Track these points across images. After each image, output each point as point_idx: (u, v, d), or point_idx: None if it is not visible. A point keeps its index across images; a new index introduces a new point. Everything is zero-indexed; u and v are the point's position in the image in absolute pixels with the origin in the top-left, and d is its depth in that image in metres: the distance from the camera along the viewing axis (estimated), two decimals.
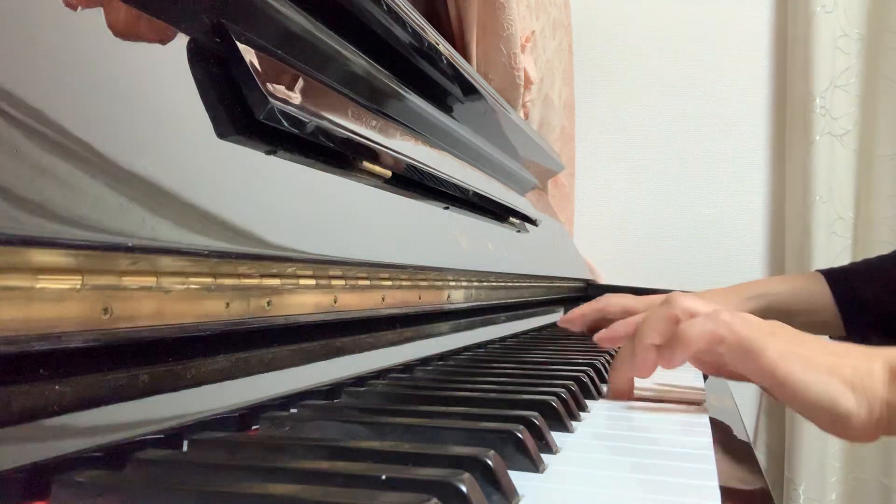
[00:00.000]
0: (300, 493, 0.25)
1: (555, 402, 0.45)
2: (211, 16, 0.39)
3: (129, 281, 0.29)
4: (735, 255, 1.75)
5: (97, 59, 0.31)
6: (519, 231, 1.00)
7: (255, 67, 0.40)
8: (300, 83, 0.46)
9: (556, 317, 1.23)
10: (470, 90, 0.81)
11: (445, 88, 0.77)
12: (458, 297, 0.71)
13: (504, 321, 0.94)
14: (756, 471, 0.43)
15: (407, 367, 0.59)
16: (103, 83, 0.31)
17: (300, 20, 0.48)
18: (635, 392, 0.60)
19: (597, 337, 0.70)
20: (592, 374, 0.60)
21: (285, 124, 0.40)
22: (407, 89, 0.65)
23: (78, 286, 0.26)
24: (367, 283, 0.50)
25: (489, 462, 0.30)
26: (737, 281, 0.97)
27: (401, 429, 0.37)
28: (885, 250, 1.58)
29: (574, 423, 0.46)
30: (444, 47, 0.70)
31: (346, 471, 0.28)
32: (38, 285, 0.25)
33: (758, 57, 1.75)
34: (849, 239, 1.64)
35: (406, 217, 0.61)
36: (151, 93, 0.34)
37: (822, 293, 0.96)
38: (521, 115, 1.30)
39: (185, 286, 0.32)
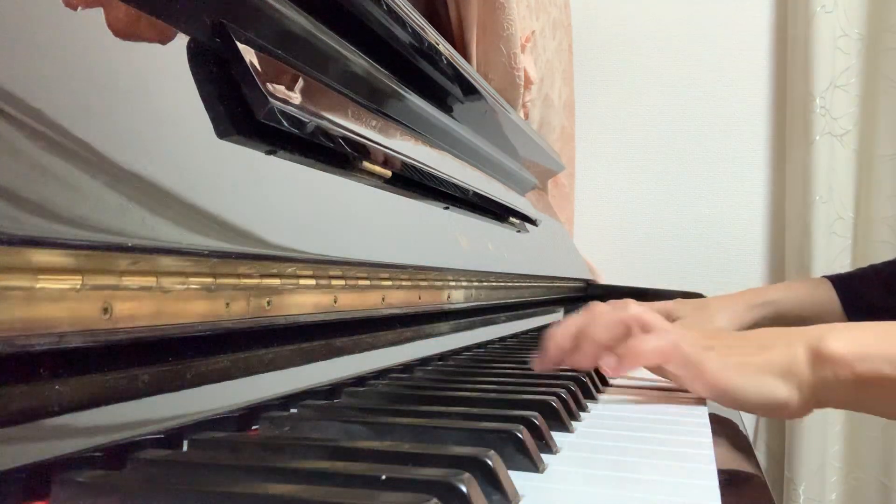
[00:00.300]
0: (300, 493, 0.25)
1: (555, 402, 0.45)
2: (211, 16, 0.39)
3: (129, 281, 0.29)
4: (735, 255, 1.75)
5: (97, 58, 0.31)
6: (519, 231, 1.00)
7: (255, 67, 0.40)
8: (300, 83, 0.46)
9: (556, 317, 1.23)
10: (470, 90, 0.81)
11: (445, 88, 0.77)
12: (458, 297, 0.71)
13: (504, 321, 0.94)
14: (756, 471, 0.43)
15: (407, 368, 0.59)
16: (103, 83, 0.31)
17: (300, 20, 0.48)
18: (636, 384, 0.61)
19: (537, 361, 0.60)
20: (592, 374, 0.60)
21: (285, 124, 0.40)
22: (407, 89, 0.65)
23: (78, 286, 0.26)
24: (366, 283, 0.50)
25: (489, 462, 0.30)
26: (736, 281, 0.97)
27: (401, 429, 0.37)
28: (885, 250, 1.58)
29: (574, 423, 0.46)
30: (444, 47, 0.70)
31: (346, 471, 0.28)
32: (39, 285, 0.25)
33: (758, 57, 1.75)
34: (849, 239, 1.64)
35: (406, 217, 0.61)
36: (151, 93, 0.34)
37: (829, 299, 0.96)
38: (521, 115, 1.30)
39: (185, 286, 0.32)
